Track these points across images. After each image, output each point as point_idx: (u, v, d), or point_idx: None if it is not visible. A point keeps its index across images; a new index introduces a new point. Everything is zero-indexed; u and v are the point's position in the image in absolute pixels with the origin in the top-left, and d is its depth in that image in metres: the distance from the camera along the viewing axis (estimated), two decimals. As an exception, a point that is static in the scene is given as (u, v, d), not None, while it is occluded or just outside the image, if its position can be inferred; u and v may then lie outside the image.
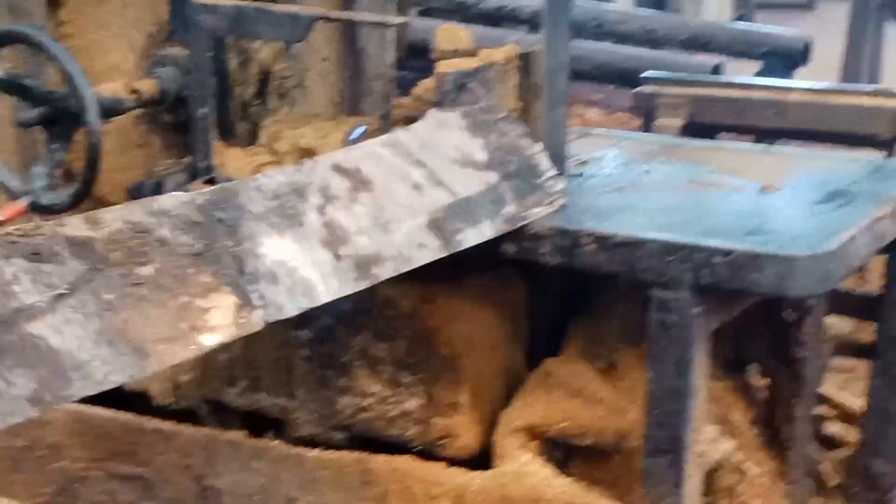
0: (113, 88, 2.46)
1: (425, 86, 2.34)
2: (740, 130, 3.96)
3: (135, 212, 1.73)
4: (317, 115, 2.82)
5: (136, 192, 2.58)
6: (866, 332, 2.97)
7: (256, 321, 1.73)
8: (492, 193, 2.15)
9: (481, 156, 2.20)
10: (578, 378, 2.45)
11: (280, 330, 2.45)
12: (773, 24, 9.59)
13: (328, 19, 2.38)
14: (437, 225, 2.04)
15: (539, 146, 2.29)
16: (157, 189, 2.52)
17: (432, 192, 2.07)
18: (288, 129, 2.69)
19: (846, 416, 3.17)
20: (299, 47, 2.68)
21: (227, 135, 2.61)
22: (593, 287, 2.55)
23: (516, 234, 2.20)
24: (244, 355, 2.59)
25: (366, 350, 2.46)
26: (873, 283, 3.17)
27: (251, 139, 2.66)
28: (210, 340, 1.67)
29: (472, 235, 2.08)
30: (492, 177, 2.19)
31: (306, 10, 2.42)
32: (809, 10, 11.39)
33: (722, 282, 2.04)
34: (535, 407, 2.40)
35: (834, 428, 3.09)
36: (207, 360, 2.61)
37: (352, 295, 1.91)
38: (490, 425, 2.43)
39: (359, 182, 2.00)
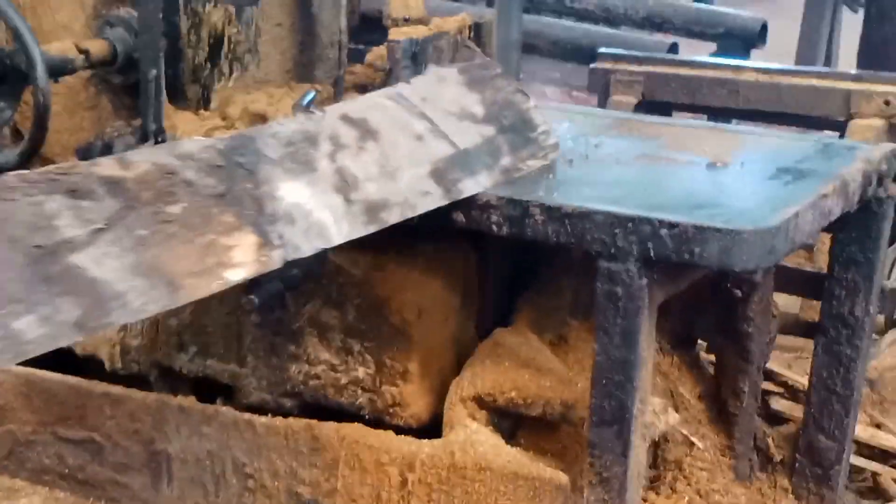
0: (62, 48, 2.42)
1: (377, 53, 2.34)
2: (694, 109, 3.99)
3: (162, 154, 1.83)
4: (269, 80, 2.80)
5: (84, 154, 2.54)
6: (814, 311, 3.01)
7: (276, 259, 1.82)
8: (489, 146, 2.24)
9: (478, 110, 2.29)
10: (528, 348, 2.46)
11: (230, 296, 2.44)
12: (732, 6, 9.67)
13: (281, -17, 2.37)
14: (439, 174, 2.13)
15: (532, 102, 2.36)
16: (107, 151, 2.49)
17: (434, 142, 2.17)
18: (240, 94, 2.67)
19: (792, 393, 3.22)
20: (252, 12, 2.66)
21: (178, 98, 2.59)
22: (544, 259, 2.56)
23: (466, 204, 2.20)
24: (194, 321, 2.57)
25: (316, 317, 2.45)
26: (821, 261, 3.21)
27: (202, 103, 2.64)
28: (235, 276, 1.76)
29: (471, 185, 2.16)
30: (488, 130, 2.27)
31: (259, -28, 2.41)
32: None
33: (668, 254, 2.05)
34: (484, 376, 2.40)
35: (780, 404, 3.13)
36: (157, 325, 2.60)
37: (301, 261, 1.92)
38: (440, 394, 2.44)
39: (366, 132, 2.10)
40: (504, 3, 2.36)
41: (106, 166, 1.76)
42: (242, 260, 1.78)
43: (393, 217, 2.02)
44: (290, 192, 1.90)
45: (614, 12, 5.55)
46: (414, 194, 2.07)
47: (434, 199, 2.10)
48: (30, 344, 1.54)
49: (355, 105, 2.13)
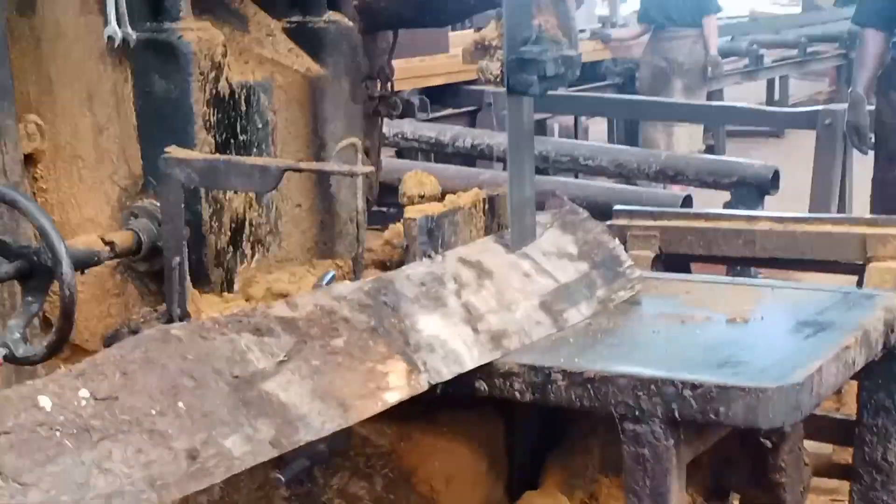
0: (87, 241, 2.49)
1: (394, 230, 2.40)
2: (712, 260, 4.02)
3: (321, 297, 2.16)
4: (290, 259, 2.86)
5: (111, 341, 2.59)
6: (847, 454, 2.98)
7: (423, 383, 2.10)
8: (585, 280, 2.54)
9: (573, 249, 2.61)
10: (559, 511, 2.44)
11: (259, 471, 2.45)
12: (742, 152, 9.81)
13: (297, 170, 2.44)
14: (547, 306, 2.41)
15: (616, 241, 2.70)
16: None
17: (539, 279, 2.47)
18: (261, 275, 2.72)
19: (831, 539, 3.16)
20: (272, 195, 2.74)
21: (202, 282, 2.63)
22: (571, 417, 2.56)
23: (488, 373, 2.22)
24: (224, 497, 2.57)
25: (344, 489, 2.45)
26: (850, 405, 3.19)
27: (226, 286, 2.69)
28: (392, 398, 2.04)
29: (575, 314, 2.44)
30: (583, 266, 2.58)
31: (275, 162, 2.48)
32: (779, 138, 11.63)
33: (693, 414, 2.06)
34: (517, 541, 2.39)
35: (820, 551, 3.07)
36: (188, 502, 2.59)
37: (327, 436, 1.96)
38: (473, 562, 2.42)
39: (481, 271, 2.40)
40: (517, 165, 2.43)
41: (279, 308, 2.08)
42: (397, 384, 2.06)
43: (513, 344, 2.28)
44: (428, 324, 2.20)
45: (628, 167, 5.66)
46: (528, 324, 2.34)
47: (545, 328, 2.36)
48: (236, 460, 1.76)
49: (469, 249, 2.46)
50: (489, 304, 2.33)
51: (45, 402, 1.66)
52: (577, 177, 6.66)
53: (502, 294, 2.37)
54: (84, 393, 1.70)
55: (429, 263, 2.35)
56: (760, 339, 2.34)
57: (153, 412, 1.73)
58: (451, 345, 2.19)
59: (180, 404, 1.77)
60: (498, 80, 2.41)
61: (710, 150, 10.06)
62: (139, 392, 1.76)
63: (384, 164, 3.93)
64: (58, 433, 1.62)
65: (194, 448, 1.73)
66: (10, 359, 2.28)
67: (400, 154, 6.76)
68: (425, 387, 2.09)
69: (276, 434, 1.83)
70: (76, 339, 2.78)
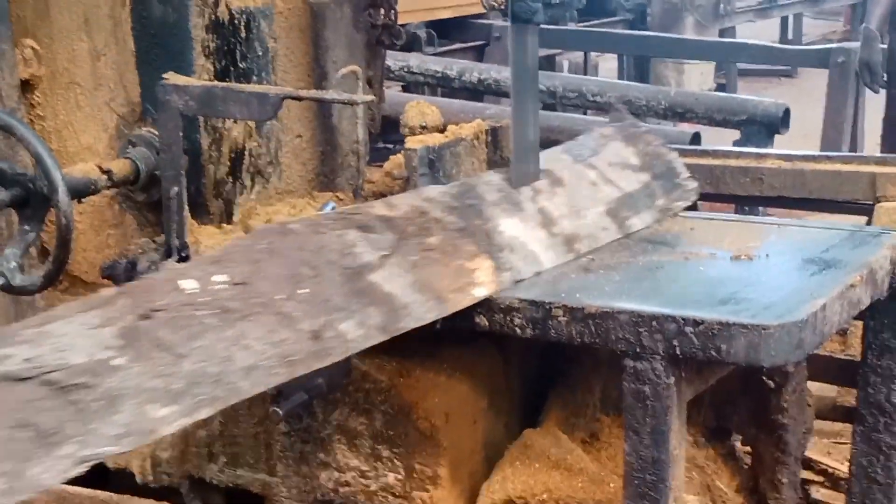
0: (84, 169, 2.46)
1: (395, 161, 2.37)
2: (719, 198, 3.98)
3: (415, 198, 2.28)
4: (291, 191, 2.83)
5: (109, 272, 2.57)
6: (851, 396, 2.97)
7: (507, 280, 2.21)
8: (646, 189, 2.65)
9: (635, 160, 2.70)
10: (558, 449, 2.43)
11: (258, 405, 2.44)
12: (754, 91, 9.73)
13: (296, 98, 2.40)
14: (613, 213, 2.53)
15: (675, 153, 2.78)
16: (131, 268, 2.51)
17: (604, 188, 2.58)
18: (262, 206, 2.70)
19: (832, 481, 3.15)
20: (272, 125, 2.70)
21: (201, 213, 2.61)
22: (572, 355, 2.54)
23: (488, 308, 2.20)
24: (224, 431, 2.57)
25: (344, 424, 2.45)
26: (855, 347, 3.17)
27: (225, 217, 2.67)
28: (480, 292, 2.16)
29: (637, 221, 2.57)
30: (644, 177, 2.68)
31: (274, 89, 2.44)
32: (791, 78, 11.52)
33: (694, 351, 2.03)
34: (514, 479, 2.38)
35: (820, 493, 3.07)
36: (187, 437, 2.60)
37: (325, 369, 1.95)
38: (471, 498, 2.41)
39: (554, 179, 2.51)
40: (520, 97, 2.38)
41: (379, 208, 2.23)
42: (484, 280, 2.18)
43: (584, 247, 2.40)
44: (508, 227, 2.32)
45: (636, 104, 5.59)
46: (596, 229, 2.47)
47: (610, 233, 2.49)
48: (351, 342, 1.92)
49: (544, 157, 2.56)
50: (561, 210, 2.44)
51: (187, 284, 1.83)
52: (585, 113, 6.59)
53: (573, 200, 2.49)
54: (221, 278, 1.87)
55: (505, 170, 2.46)
56: (764, 277, 2.30)
57: (280, 297, 1.90)
58: (529, 246, 2.30)
59: (302, 290, 1.93)
60: (502, 7, 2.36)
61: (721, 88, 9.97)
62: (267, 278, 1.92)
63: (389, 97, 3.89)
64: (201, 312, 1.78)
65: (317, 330, 1.88)
66: (7, 288, 2.27)
67: (406, 88, 6.70)
68: (509, 284, 2.21)
69: (384, 321, 1.99)
70: (74, 269, 2.77)
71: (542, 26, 2.36)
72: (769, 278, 2.30)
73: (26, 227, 2.29)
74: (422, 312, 2.06)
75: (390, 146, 4.22)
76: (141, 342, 1.67)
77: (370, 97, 2.34)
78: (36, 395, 1.52)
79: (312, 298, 1.93)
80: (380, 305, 2.00)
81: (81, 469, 1.53)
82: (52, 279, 2.28)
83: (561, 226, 2.40)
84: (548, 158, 2.59)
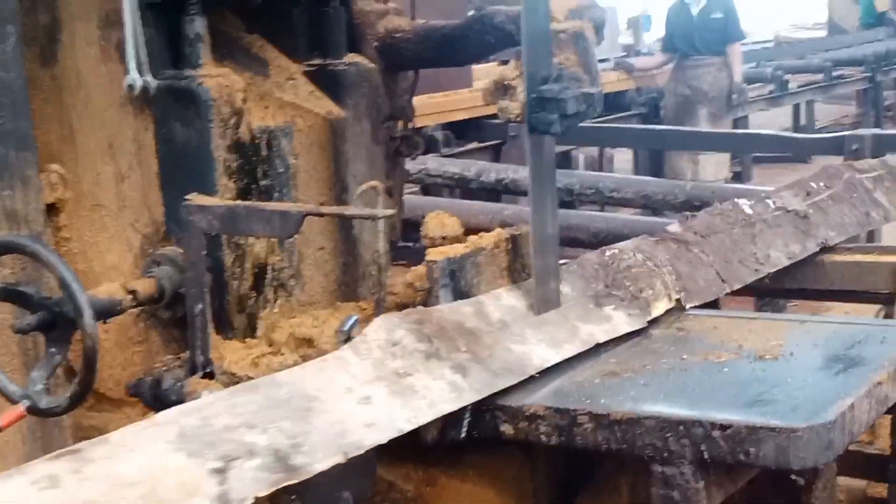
0: (110, 290, 2.49)
1: (417, 273, 2.38)
2: (741, 292, 3.97)
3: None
4: (313, 302, 2.85)
5: (135, 389, 2.59)
6: (881, 487, 2.93)
7: None
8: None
9: None
10: (587, 554, 2.41)
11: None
12: (770, 178, 9.74)
13: (318, 214, 2.43)
14: None
15: None
16: (157, 385, 2.53)
17: None
18: (285, 319, 2.71)
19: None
20: (295, 238, 2.73)
21: (225, 328, 2.62)
22: (598, 458, 2.52)
23: (513, 415, 2.19)
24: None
25: (373, 536, 2.42)
26: (884, 438, 3.13)
27: (249, 331, 2.68)
28: None
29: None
30: None
31: (296, 206, 2.48)
32: (806, 164, 11.55)
33: (723, 455, 2.02)
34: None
35: (857, 587, 3.01)
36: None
37: (351, 482, 1.93)
38: None
39: None
40: (539, 204, 2.41)
41: None
42: None
43: None
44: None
45: (653, 199, 5.62)
46: None
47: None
48: None
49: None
50: None
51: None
52: (602, 209, 6.63)
53: None
54: None
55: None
56: (790, 377, 2.30)
57: None
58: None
59: None
60: (518, 119, 2.39)
61: (736, 176, 10.01)
62: None
63: (408, 200, 3.92)
64: None
65: None
66: (34, 410, 2.28)
67: (425, 190, 6.75)
68: None
69: None
70: (100, 387, 2.78)
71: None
72: (795, 378, 2.29)
73: (53, 350, 2.31)
74: None
75: (409, 245, 4.26)
76: None
77: (391, 211, 2.37)
78: None
79: None
80: None
81: None
82: (77, 401, 2.29)
83: None
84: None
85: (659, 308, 2.69)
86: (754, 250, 3.13)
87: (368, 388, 2.06)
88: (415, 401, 2.07)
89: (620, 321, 2.59)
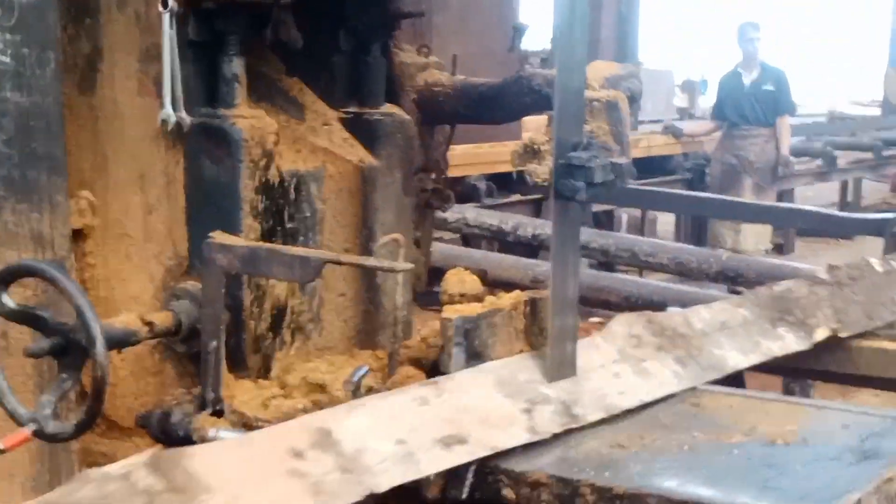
0: (127, 320, 2.51)
1: (432, 329, 2.38)
2: (767, 370, 3.93)
3: None
4: (330, 347, 2.85)
5: (143, 421, 2.59)
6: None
7: None
8: None
9: None
10: None
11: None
12: (812, 252, 9.66)
13: (337, 262, 2.44)
14: None
15: None
16: (165, 419, 2.53)
17: None
18: (300, 363, 2.71)
19: None
20: (316, 284, 2.73)
21: (239, 367, 2.63)
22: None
23: (515, 481, 2.17)
24: None
25: None
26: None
27: (263, 372, 2.68)
28: None
29: None
30: None
31: (316, 253, 2.48)
32: (850, 240, 11.45)
33: (724, 539, 2.00)
34: None
35: None
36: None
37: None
38: None
39: None
40: (560, 262, 2.40)
41: None
42: None
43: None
44: None
45: (688, 266, 5.60)
46: None
47: None
48: None
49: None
50: None
51: None
52: (641, 273, 6.61)
53: None
54: None
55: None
56: (800, 464, 2.26)
57: None
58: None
59: None
60: (546, 183, 2.39)
61: (778, 248, 9.95)
62: None
63: (445, 250, 3.93)
64: None
65: None
66: (40, 434, 2.29)
67: (465, 238, 6.76)
68: None
69: None
70: (112, 414, 2.79)
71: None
72: (804, 466, 2.26)
73: (64, 376, 2.32)
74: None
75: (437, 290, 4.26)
76: None
77: (409, 265, 2.37)
78: None
79: None
80: None
81: None
82: (84, 428, 2.30)
83: None
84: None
85: (820, 334, 3.19)
86: (892, 295, 3.59)
87: (616, 366, 2.62)
88: (650, 380, 2.61)
89: (791, 341, 3.11)
